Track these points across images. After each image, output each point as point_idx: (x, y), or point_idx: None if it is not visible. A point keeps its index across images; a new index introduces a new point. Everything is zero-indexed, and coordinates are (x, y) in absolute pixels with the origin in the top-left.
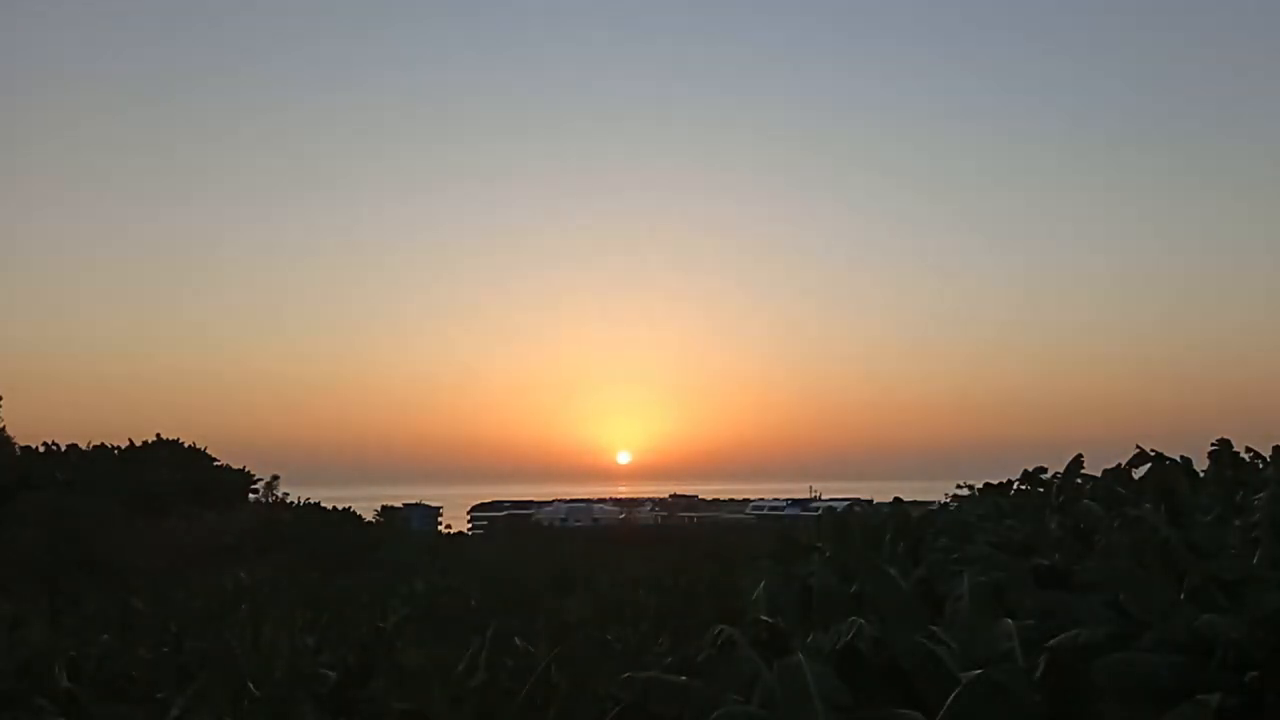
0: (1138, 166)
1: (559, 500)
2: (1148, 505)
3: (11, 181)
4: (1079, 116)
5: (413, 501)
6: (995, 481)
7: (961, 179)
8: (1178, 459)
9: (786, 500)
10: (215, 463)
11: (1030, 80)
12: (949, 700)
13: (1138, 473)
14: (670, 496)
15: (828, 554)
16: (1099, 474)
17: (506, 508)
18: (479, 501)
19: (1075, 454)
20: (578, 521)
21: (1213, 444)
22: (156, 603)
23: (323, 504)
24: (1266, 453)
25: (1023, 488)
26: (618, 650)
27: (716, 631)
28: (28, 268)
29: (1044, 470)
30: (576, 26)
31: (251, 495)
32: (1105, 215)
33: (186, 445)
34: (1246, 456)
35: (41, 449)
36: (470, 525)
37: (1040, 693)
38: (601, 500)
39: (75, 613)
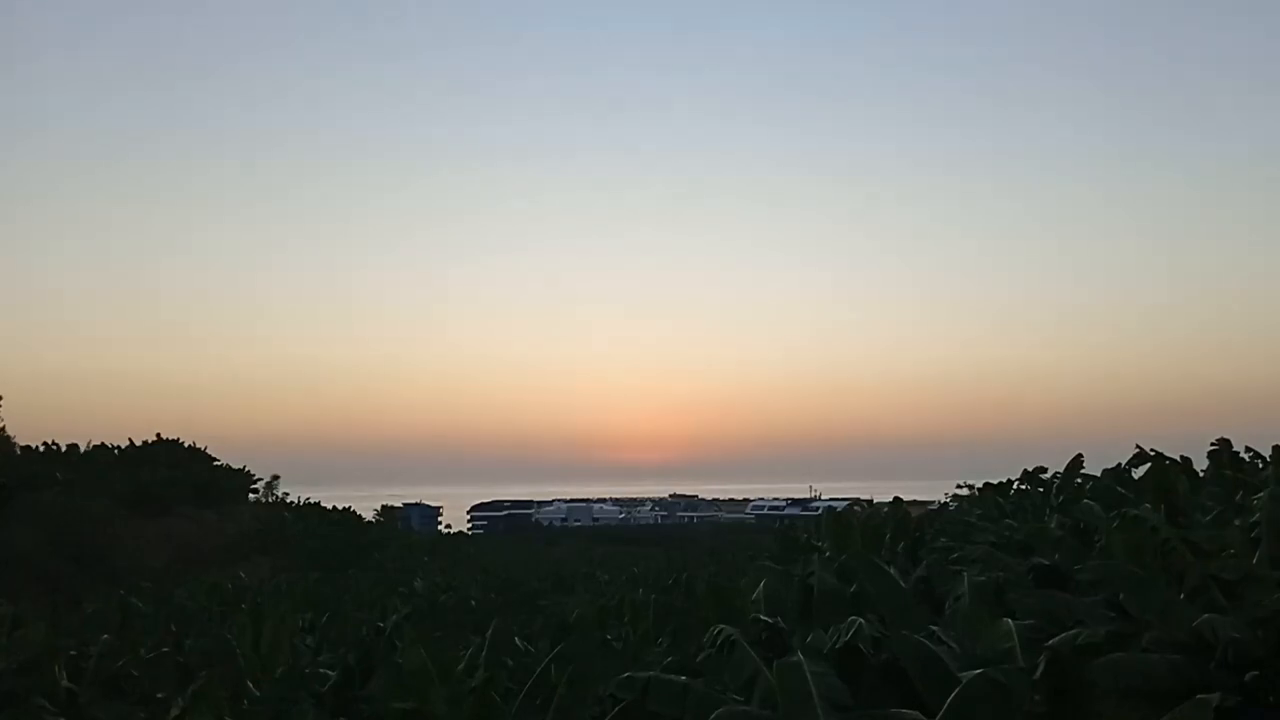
0: (1137, 168)
1: (559, 500)
2: (1148, 505)
3: (15, 187)
4: (1084, 116)
5: (413, 501)
6: (995, 481)
7: (961, 180)
8: (1178, 459)
9: (786, 500)
10: (215, 463)
11: (1030, 83)
12: (949, 700)
13: (1138, 473)
14: (670, 496)
15: (828, 554)
16: (1099, 474)
17: (506, 507)
18: (479, 501)
19: (1075, 454)
20: (578, 521)
21: (1213, 444)
22: (156, 603)
23: (323, 504)
24: (1266, 453)
25: (1023, 488)
26: (618, 650)
27: (716, 631)
28: (30, 270)
29: (1044, 470)
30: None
31: (251, 495)
32: (1104, 216)
33: (186, 445)
34: (1246, 456)
35: (41, 449)
36: (470, 525)
37: (1040, 693)
38: (601, 500)
39: (75, 613)
